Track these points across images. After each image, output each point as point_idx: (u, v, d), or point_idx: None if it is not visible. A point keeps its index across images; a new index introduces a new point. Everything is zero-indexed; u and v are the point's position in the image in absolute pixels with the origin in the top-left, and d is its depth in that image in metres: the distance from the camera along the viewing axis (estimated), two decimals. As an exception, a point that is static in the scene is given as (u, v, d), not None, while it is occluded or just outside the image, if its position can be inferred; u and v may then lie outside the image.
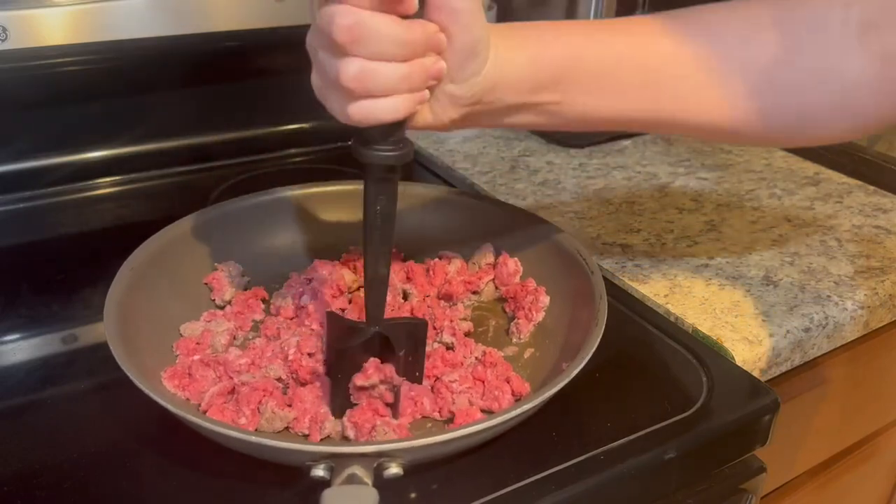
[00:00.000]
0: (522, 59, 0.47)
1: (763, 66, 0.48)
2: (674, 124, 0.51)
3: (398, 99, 0.42)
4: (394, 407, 0.50)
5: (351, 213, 0.69)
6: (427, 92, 0.44)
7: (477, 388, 0.53)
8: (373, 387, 0.50)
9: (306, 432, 0.49)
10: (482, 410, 0.52)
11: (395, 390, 0.50)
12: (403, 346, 0.51)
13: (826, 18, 0.47)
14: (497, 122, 0.51)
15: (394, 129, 0.44)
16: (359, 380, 0.49)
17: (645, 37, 0.49)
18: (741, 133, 0.51)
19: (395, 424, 0.49)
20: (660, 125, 0.52)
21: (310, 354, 0.54)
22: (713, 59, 0.48)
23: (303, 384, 0.53)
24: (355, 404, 0.50)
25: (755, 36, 0.49)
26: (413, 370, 0.52)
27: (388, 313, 0.59)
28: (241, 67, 0.88)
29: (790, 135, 0.52)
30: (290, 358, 0.54)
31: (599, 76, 0.49)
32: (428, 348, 0.56)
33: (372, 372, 0.49)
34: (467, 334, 0.59)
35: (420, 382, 0.52)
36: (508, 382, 0.53)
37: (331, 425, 0.49)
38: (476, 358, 0.56)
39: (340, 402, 0.50)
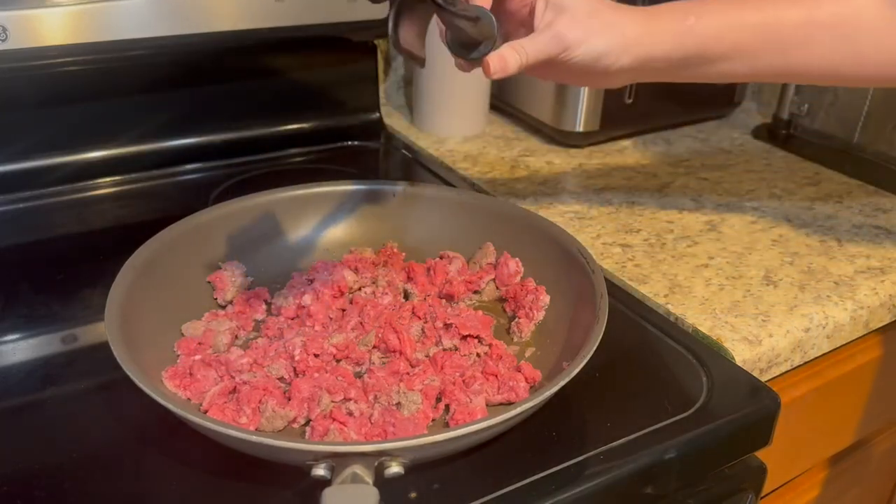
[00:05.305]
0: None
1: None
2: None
3: None
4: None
5: (352, 213, 0.69)
6: None
7: (491, 383, 0.53)
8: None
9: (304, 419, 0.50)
10: (500, 403, 0.52)
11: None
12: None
13: None
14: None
15: None
16: None
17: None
18: None
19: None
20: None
21: (315, 355, 0.54)
22: None
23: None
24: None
25: None
26: None
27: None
28: (241, 67, 0.88)
29: None
30: (297, 358, 0.54)
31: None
32: (431, 351, 0.57)
33: None
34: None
35: None
36: (520, 371, 0.54)
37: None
38: (477, 354, 0.56)
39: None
